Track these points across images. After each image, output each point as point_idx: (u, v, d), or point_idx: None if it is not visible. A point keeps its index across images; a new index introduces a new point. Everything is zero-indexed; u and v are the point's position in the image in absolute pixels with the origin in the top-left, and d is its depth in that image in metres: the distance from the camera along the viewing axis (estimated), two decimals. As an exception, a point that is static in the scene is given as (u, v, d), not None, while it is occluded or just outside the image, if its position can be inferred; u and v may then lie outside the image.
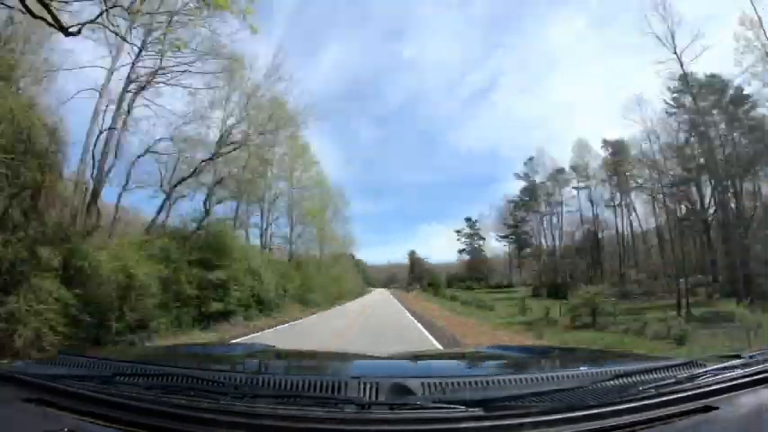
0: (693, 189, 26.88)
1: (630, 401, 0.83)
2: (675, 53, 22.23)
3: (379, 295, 51.48)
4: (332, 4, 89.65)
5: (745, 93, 23.31)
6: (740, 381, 0.93)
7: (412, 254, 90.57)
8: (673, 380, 0.93)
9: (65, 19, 5.07)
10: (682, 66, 22.65)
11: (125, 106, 12.00)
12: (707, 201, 26.75)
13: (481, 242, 62.78)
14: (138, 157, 12.63)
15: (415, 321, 16.17)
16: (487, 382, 0.96)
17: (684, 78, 23.61)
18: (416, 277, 75.37)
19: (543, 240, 44.74)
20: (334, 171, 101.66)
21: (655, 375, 0.96)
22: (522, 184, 46.97)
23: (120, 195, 12.65)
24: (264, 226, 23.26)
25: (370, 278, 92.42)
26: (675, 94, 26.20)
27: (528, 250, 49.11)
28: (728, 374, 0.95)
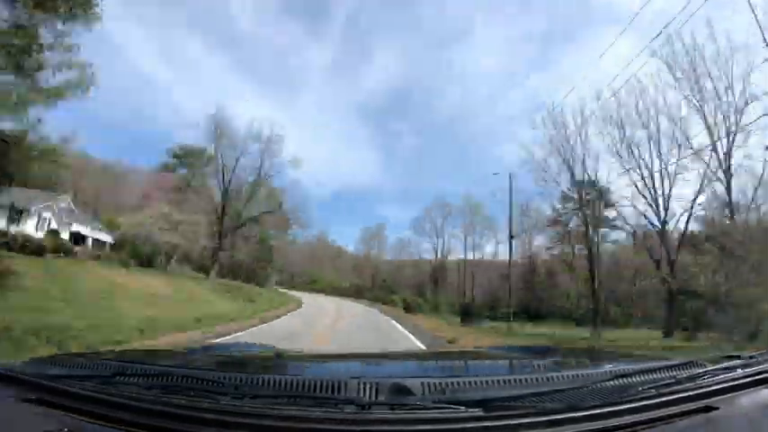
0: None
1: (631, 402, 0.83)
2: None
3: None
4: (383, 11, 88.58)
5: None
6: (740, 381, 0.93)
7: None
8: (673, 380, 0.93)
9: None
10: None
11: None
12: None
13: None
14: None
15: None
16: (487, 382, 0.96)
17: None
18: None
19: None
20: (375, 175, 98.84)
21: (655, 375, 0.96)
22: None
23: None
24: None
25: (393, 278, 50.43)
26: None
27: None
28: (728, 374, 0.95)
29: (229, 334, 10.28)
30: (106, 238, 30.61)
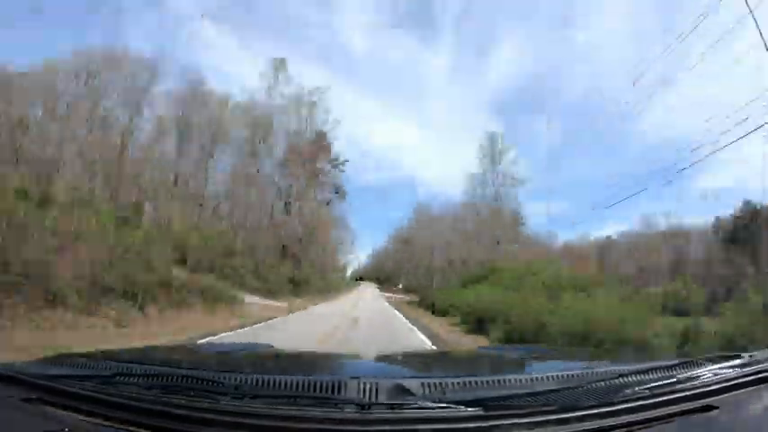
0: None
1: (630, 401, 0.83)
2: None
3: None
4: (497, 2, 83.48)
5: None
6: (740, 380, 0.93)
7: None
8: (673, 379, 0.92)
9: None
10: None
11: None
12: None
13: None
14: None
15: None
16: (487, 382, 0.96)
17: None
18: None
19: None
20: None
21: (654, 375, 0.96)
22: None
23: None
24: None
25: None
26: None
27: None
28: (728, 374, 0.95)
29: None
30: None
